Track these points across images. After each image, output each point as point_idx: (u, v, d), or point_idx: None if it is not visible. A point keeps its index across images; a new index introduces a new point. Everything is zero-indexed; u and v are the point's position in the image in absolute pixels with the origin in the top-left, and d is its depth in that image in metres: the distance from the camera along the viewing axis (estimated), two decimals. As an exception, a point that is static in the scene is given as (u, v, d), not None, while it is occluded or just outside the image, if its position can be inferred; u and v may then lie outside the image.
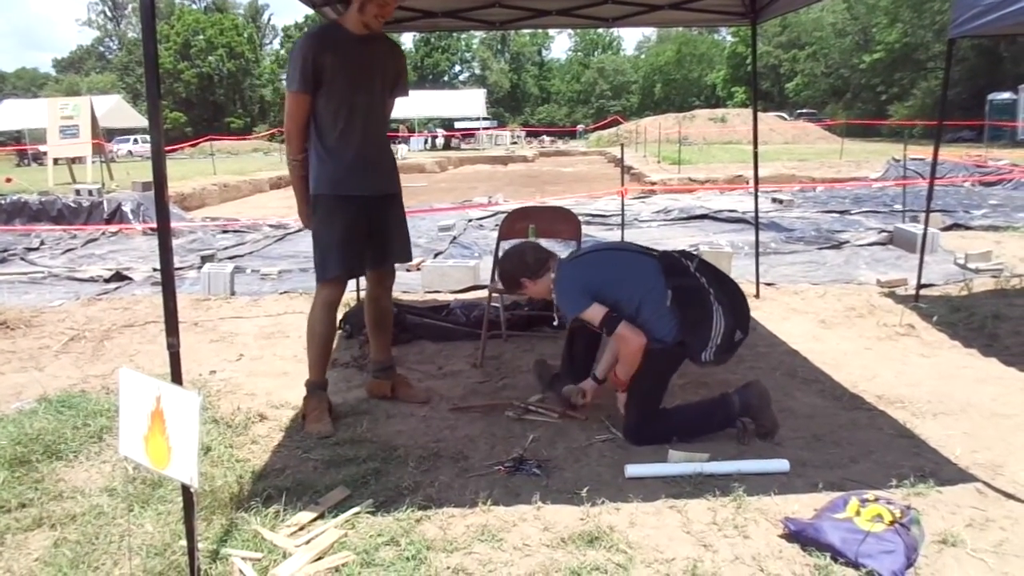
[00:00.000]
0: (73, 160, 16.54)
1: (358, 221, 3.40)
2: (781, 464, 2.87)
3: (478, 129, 41.15)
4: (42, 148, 21.39)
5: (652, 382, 3.16)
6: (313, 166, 3.40)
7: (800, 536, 2.37)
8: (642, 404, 3.15)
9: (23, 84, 70.10)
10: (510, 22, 5.52)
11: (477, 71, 70.13)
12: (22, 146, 31.33)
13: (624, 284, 3.12)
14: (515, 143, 39.51)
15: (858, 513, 2.37)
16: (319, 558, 2.33)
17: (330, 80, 3.28)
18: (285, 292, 6.38)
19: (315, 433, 3.33)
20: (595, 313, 3.06)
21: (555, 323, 3.74)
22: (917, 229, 7.11)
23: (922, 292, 5.56)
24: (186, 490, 2.06)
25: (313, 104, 3.32)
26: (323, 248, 3.40)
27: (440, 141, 39.22)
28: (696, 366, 3.25)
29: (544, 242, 3.96)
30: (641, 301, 3.08)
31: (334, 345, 4.54)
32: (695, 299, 3.09)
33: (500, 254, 4.28)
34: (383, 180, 3.51)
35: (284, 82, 3.52)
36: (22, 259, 8.75)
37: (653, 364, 3.12)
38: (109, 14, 73.87)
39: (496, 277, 3.40)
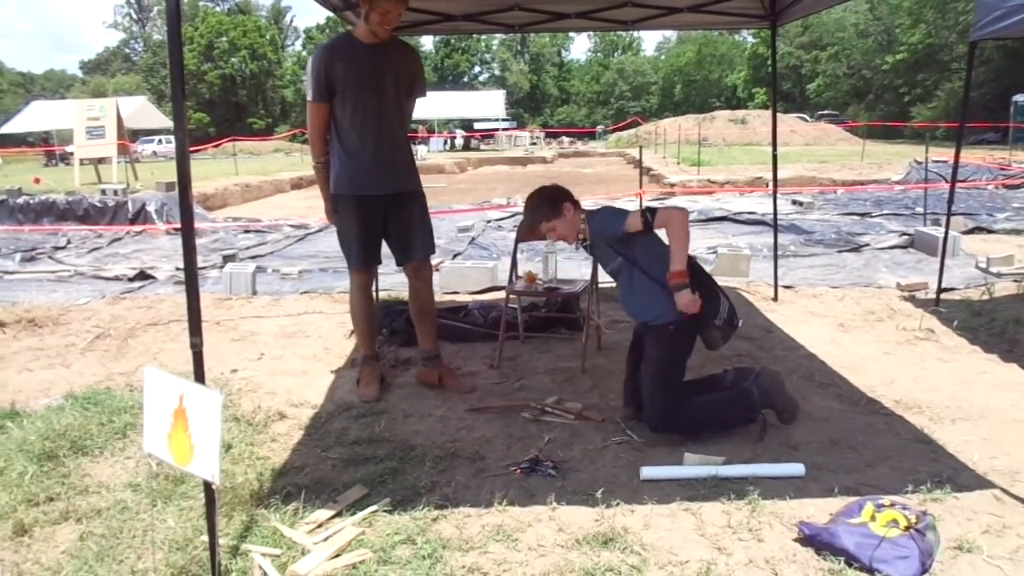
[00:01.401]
0: (99, 160, 16.79)
1: (375, 218, 3.68)
2: (796, 468, 2.87)
3: (497, 130, 41.19)
4: (69, 149, 21.71)
5: (671, 359, 3.20)
6: (334, 167, 3.66)
7: (814, 540, 2.38)
8: (666, 388, 3.17)
9: (51, 86, 71.25)
10: (529, 25, 5.53)
11: (497, 72, 70.07)
12: (50, 147, 31.86)
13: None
14: (534, 144, 39.40)
15: (873, 518, 2.37)
16: (337, 555, 2.36)
17: (343, 88, 3.52)
18: (305, 292, 6.44)
19: (361, 397, 3.76)
20: (635, 218, 3.13)
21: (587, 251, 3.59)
22: (938, 232, 7.05)
23: (942, 296, 5.51)
24: (208, 487, 2.11)
25: (331, 111, 3.57)
26: (345, 243, 3.76)
27: (459, 142, 39.32)
28: (704, 338, 3.25)
29: (559, 243, 3.97)
30: (661, 262, 3.19)
31: (354, 344, 4.62)
32: (704, 273, 3.30)
33: (518, 255, 4.35)
34: (399, 179, 3.71)
35: (305, 84, 3.73)
36: (50, 257, 8.94)
37: (671, 342, 3.17)
38: (135, 16, 74.77)
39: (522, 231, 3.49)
